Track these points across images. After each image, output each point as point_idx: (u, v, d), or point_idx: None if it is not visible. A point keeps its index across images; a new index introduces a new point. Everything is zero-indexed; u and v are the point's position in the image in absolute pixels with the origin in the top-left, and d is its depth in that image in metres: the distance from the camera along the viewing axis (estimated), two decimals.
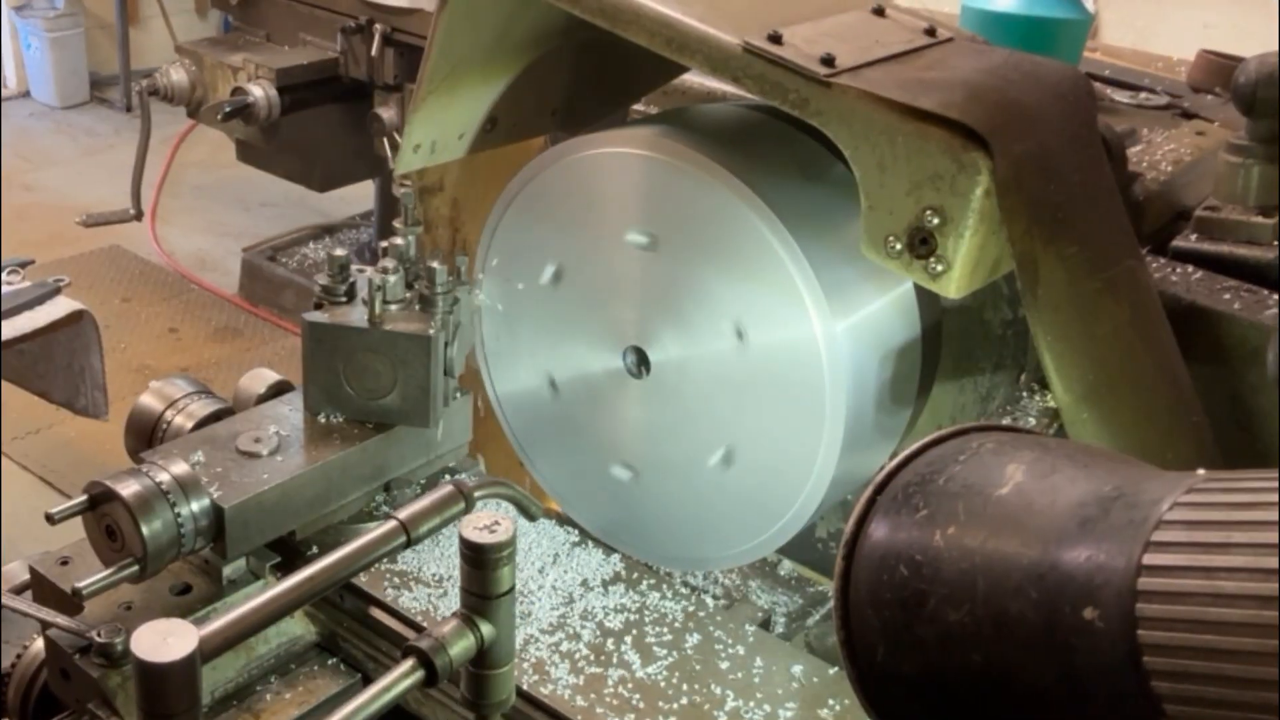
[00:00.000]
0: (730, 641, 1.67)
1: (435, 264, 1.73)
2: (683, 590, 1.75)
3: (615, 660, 1.62)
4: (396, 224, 1.80)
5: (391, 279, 1.72)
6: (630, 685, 1.58)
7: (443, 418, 1.81)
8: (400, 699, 1.35)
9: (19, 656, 1.76)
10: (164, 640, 1.16)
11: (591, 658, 1.62)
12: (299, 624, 1.72)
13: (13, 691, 1.74)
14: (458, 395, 1.83)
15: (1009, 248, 1.50)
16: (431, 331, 1.71)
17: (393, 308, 1.73)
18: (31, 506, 4.19)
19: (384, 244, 1.78)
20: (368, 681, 1.64)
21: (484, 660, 1.39)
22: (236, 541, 1.63)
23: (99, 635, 1.53)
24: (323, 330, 1.73)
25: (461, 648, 1.36)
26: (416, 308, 1.75)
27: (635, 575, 1.78)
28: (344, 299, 1.77)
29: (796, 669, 1.61)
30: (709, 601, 1.77)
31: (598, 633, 1.67)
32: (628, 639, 1.66)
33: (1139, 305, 1.65)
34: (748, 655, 1.64)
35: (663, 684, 1.59)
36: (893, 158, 1.48)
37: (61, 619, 1.57)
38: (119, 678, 1.53)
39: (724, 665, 1.62)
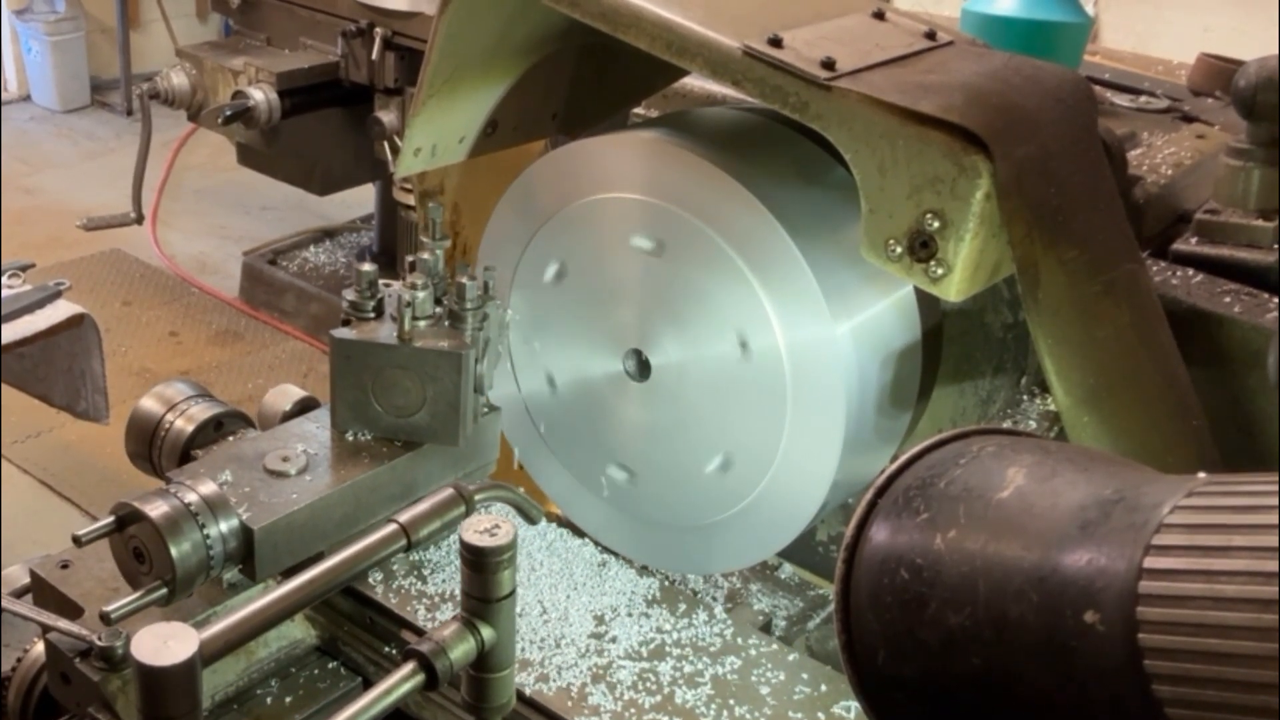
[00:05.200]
0: (770, 666, 1.63)
1: (465, 279, 1.70)
2: (720, 614, 1.72)
3: (652, 686, 1.59)
4: (424, 239, 1.77)
5: (420, 295, 1.69)
6: (669, 711, 1.55)
7: (471, 434, 1.78)
8: (401, 702, 1.35)
9: (19, 660, 1.75)
10: (164, 644, 1.16)
11: (628, 683, 1.59)
12: (299, 627, 1.72)
13: (13, 695, 1.74)
14: (486, 411, 1.82)
15: (1009, 251, 1.50)
16: (462, 348, 1.69)
17: (422, 324, 1.70)
18: (32, 510, 4.19)
19: (410, 259, 1.76)
20: (368, 685, 1.64)
21: (484, 664, 1.39)
22: (266, 563, 1.59)
23: (99, 639, 1.52)
24: (351, 347, 1.70)
25: (462, 651, 1.36)
26: (446, 324, 1.72)
27: (671, 598, 1.75)
28: (372, 315, 1.73)
29: (844, 702, 1.57)
30: (749, 626, 1.73)
31: (633, 657, 1.64)
32: (665, 664, 1.63)
33: (1139, 308, 1.65)
34: (789, 680, 1.61)
35: (701, 710, 1.55)
36: (893, 161, 1.48)
37: (62, 623, 1.57)
38: (119, 681, 1.53)
39: (764, 691, 1.59)
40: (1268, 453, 1.72)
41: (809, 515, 1.74)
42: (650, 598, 1.74)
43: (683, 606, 1.73)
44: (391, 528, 1.48)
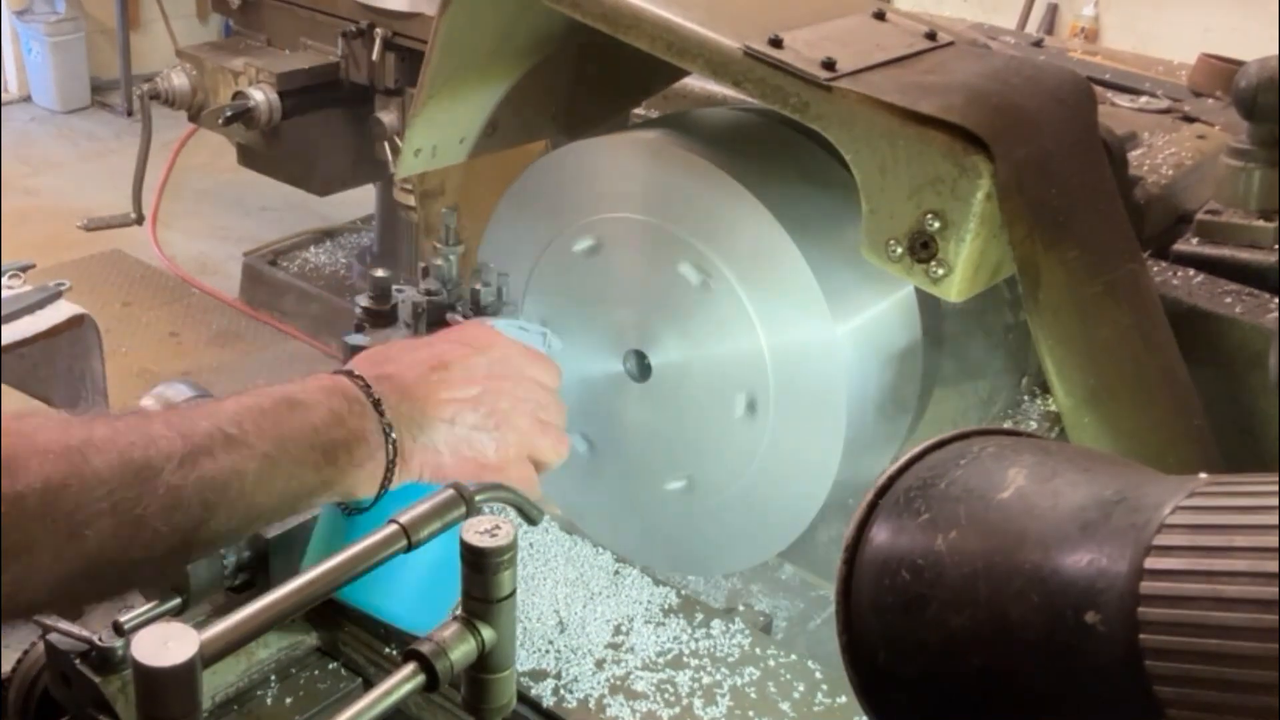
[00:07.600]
0: (790, 678, 1.61)
1: (479, 285, 1.69)
2: (739, 623, 1.70)
3: (671, 697, 1.57)
4: (437, 244, 1.76)
5: (434, 300, 1.68)
6: None
7: None
8: (401, 703, 1.35)
9: (19, 661, 1.75)
10: (164, 644, 1.16)
11: (647, 695, 1.58)
12: (300, 628, 1.72)
13: (13, 696, 1.74)
14: None
15: (1010, 251, 1.50)
16: None
17: None
18: None
19: (423, 264, 1.75)
20: (368, 686, 1.64)
21: (485, 664, 1.39)
22: (280, 573, 1.57)
23: (99, 639, 1.52)
24: None
25: (462, 652, 1.36)
26: None
27: (688, 608, 1.73)
28: (385, 321, 1.72)
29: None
30: (767, 637, 1.72)
31: (651, 669, 1.62)
32: (683, 674, 1.61)
33: (1140, 309, 1.65)
34: (808, 692, 1.59)
35: None
36: (893, 161, 1.48)
37: (62, 623, 1.57)
38: (119, 682, 1.53)
39: (784, 706, 1.57)
40: (1269, 453, 1.72)
41: (810, 516, 1.74)
42: (667, 607, 1.73)
43: (700, 616, 1.72)
44: (391, 528, 1.48)
